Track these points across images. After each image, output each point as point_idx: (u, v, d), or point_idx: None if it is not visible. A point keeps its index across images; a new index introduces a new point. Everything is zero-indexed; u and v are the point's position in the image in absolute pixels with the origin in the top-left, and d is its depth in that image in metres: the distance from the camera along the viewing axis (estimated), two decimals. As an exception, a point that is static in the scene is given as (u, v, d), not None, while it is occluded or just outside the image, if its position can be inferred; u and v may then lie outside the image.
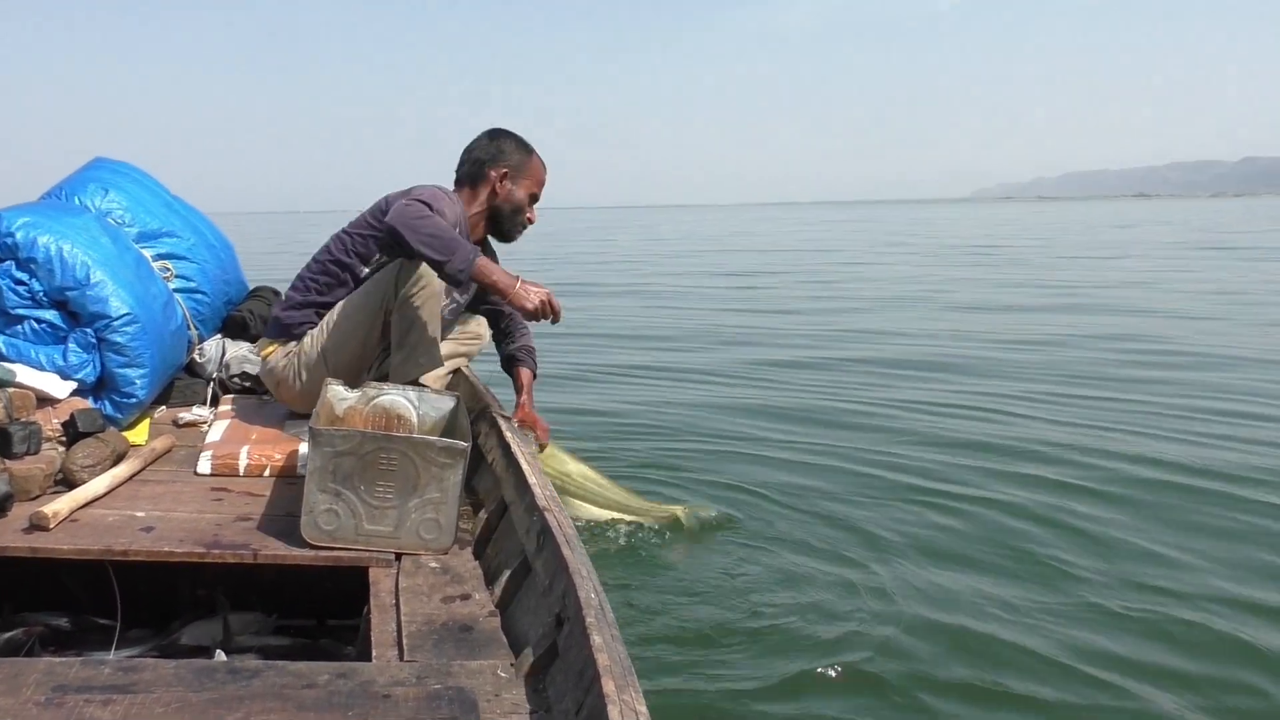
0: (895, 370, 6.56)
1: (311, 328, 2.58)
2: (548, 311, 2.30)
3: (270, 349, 2.64)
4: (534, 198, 2.72)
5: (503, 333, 2.93)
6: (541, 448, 2.73)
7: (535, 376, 2.91)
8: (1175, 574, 2.96)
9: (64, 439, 2.17)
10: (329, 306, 2.57)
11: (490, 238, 2.76)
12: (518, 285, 2.28)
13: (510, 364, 2.92)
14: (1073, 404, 5.36)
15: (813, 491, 3.86)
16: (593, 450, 4.09)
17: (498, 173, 2.62)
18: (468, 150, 2.68)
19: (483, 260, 2.26)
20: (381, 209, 2.55)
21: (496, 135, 2.68)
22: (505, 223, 2.68)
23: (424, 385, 2.35)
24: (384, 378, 2.45)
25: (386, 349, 2.50)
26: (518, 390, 2.86)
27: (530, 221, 2.73)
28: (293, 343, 2.59)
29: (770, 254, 22.78)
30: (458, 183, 2.68)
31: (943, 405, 5.35)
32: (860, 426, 4.99)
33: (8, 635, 1.85)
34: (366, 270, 2.58)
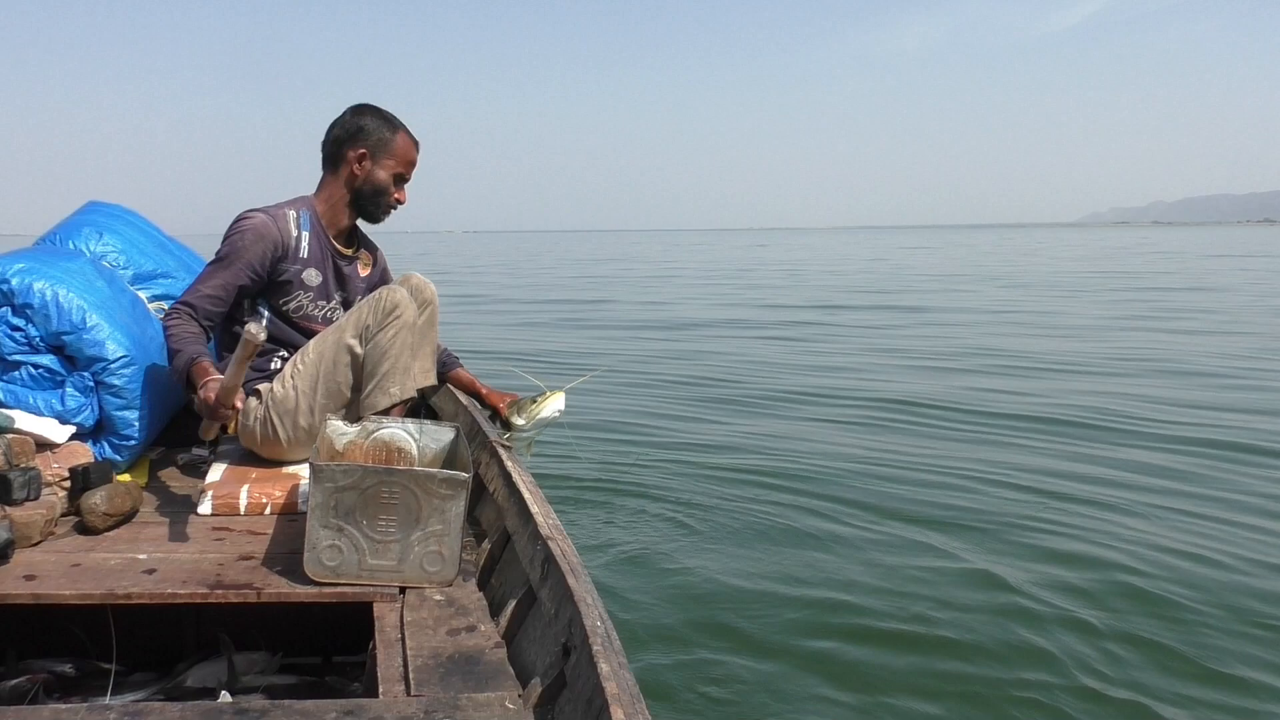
0: None
1: (256, 383, 2.51)
2: (207, 410, 2.10)
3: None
4: (400, 178, 2.58)
5: None
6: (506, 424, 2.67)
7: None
8: None
9: (66, 482, 2.16)
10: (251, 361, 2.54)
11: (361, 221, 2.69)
12: (206, 380, 2.14)
13: (442, 373, 2.85)
14: None
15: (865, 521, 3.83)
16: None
17: (355, 153, 2.52)
18: (329, 130, 2.57)
19: (196, 366, 2.19)
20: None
21: (359, 111, 2.55)
22: (367, 204, 2.58)
23: (424, 421, 2.34)
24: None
25: None
26: (471, 388, 2.83)
27: (398, 203, 2.60)
28: (252, 399, 2.49)
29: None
30: (323, 167, 2.60)
31: None
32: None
33: (11, 683, 1.83)
34: (246, 317, 2.52)
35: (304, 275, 2.54)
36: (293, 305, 2.55)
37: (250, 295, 2.52)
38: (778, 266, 29.76)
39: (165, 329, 2.35)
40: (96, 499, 2.05)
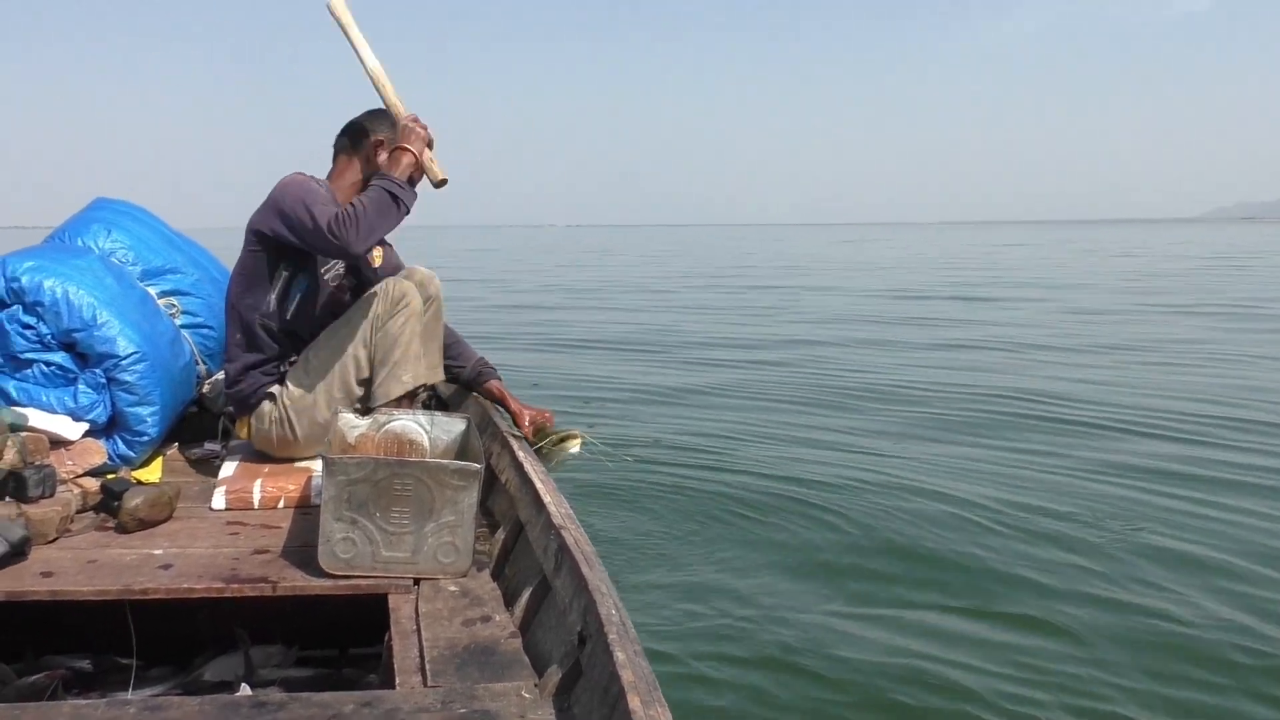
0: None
1: (268, 387, 2.49)
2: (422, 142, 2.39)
3: (243, 425, 2.54)
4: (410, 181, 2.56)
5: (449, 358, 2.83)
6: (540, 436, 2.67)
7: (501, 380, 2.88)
8: None
9: (82, 479, 2.17)
10: (266, 361, 2.50)
11: None
12: (409, 156, 2.36)
13: (477, 383, 2.86)
14: None
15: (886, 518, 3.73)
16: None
17: (376, 139, 2.53)
18: (348, 124, 2.60)
19: (397, 167, 2.37)
20: (256, 232, 2.44)
21: (377, 113, 2.58)
22: None
23: (435, 413, 2.34)
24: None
25: None
26: (501, 401, 2.80)
27: None
28: (265, 403, 2.48)
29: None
30: (335, 155, 2.59)
31: None
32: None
33: (31, 680, 1.85)
34: (273, 298, 2.48)
35: None
36: (330, 275, 2.54)
37: (293, 264, 2.47)
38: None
39: (354, 210, 2.26)
40: (138, 501, 2.05)
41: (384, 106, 2.53)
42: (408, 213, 2.35)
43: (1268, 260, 27.64)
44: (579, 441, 2.64)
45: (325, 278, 2.54)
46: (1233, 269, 22.70)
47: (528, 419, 2.70)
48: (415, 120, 2.43)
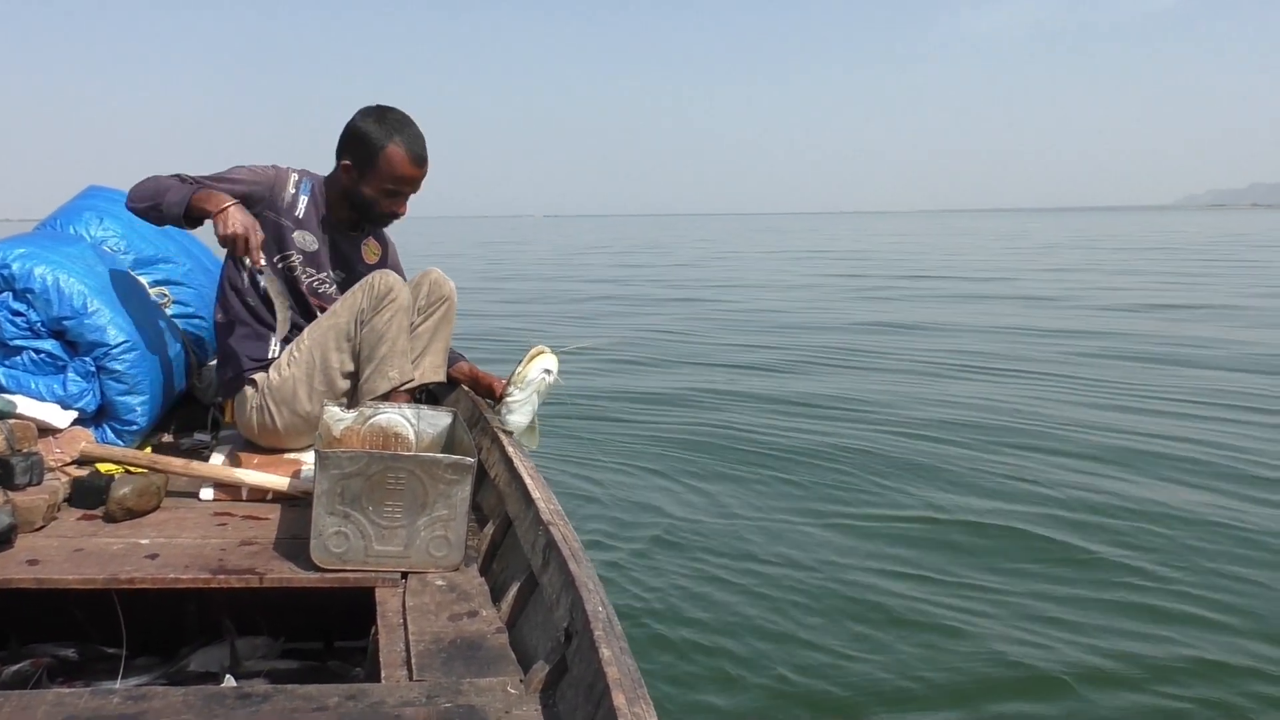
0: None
1: (253, 372, 2.49)
2: (237, 246, 2.26)
3: (228, 408, 2.56)
4: (390, 193, 2.48)
5: None
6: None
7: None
8: None
9: (69, 467, 2.17)
10: (245, 347, 2.51)
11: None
12: (225, 206, 2.28)
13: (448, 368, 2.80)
14: None
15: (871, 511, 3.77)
16: None
17: (344, 163, 2.47)
18: (344, 131, 2.51)
19: (199, 195, 2.29)
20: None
21: (364, 115, 2.44)
22: (361, 212, 2.55)
23: (421, 406, 2.34)
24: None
25: None
26: (474, 379, 2.80)
27: (394, 214, 2.54)
28: (247, 388, 2.49)
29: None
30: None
31: None
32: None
33: (15, 668, 1.84)
34: (245, 276, 2.50)
35: (295, 235, 2.51)
36: (283, 265, 2.52)
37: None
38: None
39: (140, 184, 2.35)
40: (126, 491, 2.04)
41: (382, 109, 2.44)
42: (164, 212, 2.32)
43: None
44: (549, 356, 2.43)
45: (279, 266, 2.51)
46: None
47: (499, 388, 2.67)
48: (237, 235, 2.28)
